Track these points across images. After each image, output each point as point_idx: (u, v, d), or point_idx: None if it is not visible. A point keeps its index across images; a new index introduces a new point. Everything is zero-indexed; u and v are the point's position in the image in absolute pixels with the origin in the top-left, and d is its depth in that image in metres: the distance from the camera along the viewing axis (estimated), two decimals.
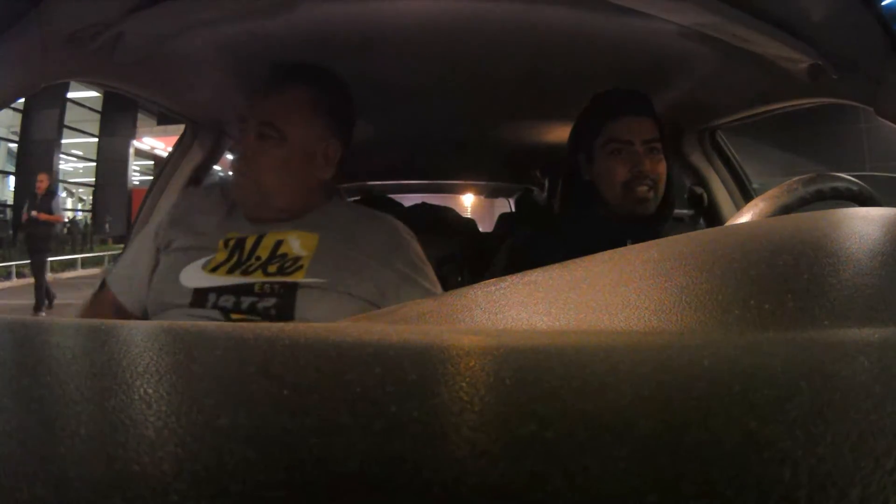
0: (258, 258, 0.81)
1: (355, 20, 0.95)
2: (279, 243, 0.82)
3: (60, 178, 12.48)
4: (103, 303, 0.91)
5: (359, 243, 0.84)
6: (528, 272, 0.35)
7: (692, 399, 0.18)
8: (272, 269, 0.80)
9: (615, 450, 0.15)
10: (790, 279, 0.30)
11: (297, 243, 0.82)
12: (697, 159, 1.40)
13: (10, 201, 11.89)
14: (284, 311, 0.77)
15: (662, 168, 0.97)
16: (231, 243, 0.83)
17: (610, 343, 0.25)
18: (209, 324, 0.31)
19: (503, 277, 0.35)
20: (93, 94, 12.31)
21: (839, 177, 0.62)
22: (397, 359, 0.23)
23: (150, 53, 0.94)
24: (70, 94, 11.71)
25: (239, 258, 0.81)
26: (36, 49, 0.75)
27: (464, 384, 0.19)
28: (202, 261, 0.82)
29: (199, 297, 0.78)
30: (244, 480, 0.14)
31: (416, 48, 1.04)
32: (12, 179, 12.34)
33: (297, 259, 0.80)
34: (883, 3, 0.72)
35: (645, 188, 0.95)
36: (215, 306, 0.77)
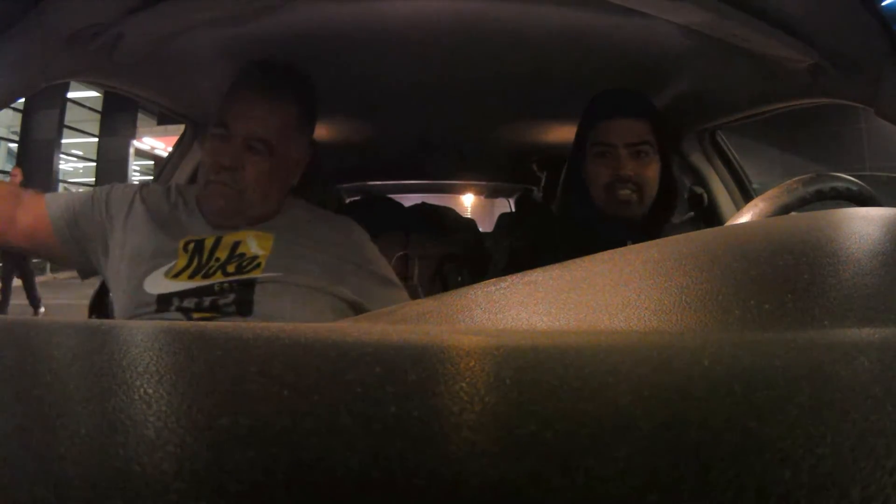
0: (217, 259, 0.83)
1: (355, 20, 0.95)
2: (237, 244, 0.85)
3: (60, 178, 12.48)
4: (30, 206, 0.89)
5: (312, 239, 0.88)
6: (528, 272, 0.35)
7: (692, 399, 0.18)
8: (231, 268, 0.82)
9: (615, 450, 0.15)
10: (790, 279, 0.30)
11: (254, 243, 0.85)
12: (697, 159, 1.40)
13: None
14: (243, 306, 0.79)
15: (650, 171, 0.96)
16: (191, 247, 0.84)
17: (610, 343, 0.25)
18: (209, 324, 0.31)
19: (503, 277, 0.35)
20: (93, 94, 12.31)
21: (839, 177, 0.62)
22: (397, 359, 0.23)
23: (150, 53, 0.94)
24: (70, 94, 11.71)
25: (199, 261, 0.83)
26: (36, 49, 0.75)
27: (464, 384, 0.19)
28: (165, 268, 0.82)
29: (163, 302, 0.80)
30: (244, 480, 0.14)
31: (416, 48, 1.04)
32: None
33: (255, 258, 0.83)
34: (883, 3, 0.72)
35: (627, 191, 0.94)
36: (178, 308, 0.79)
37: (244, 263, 0.82)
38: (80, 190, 0.93)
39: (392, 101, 1.38)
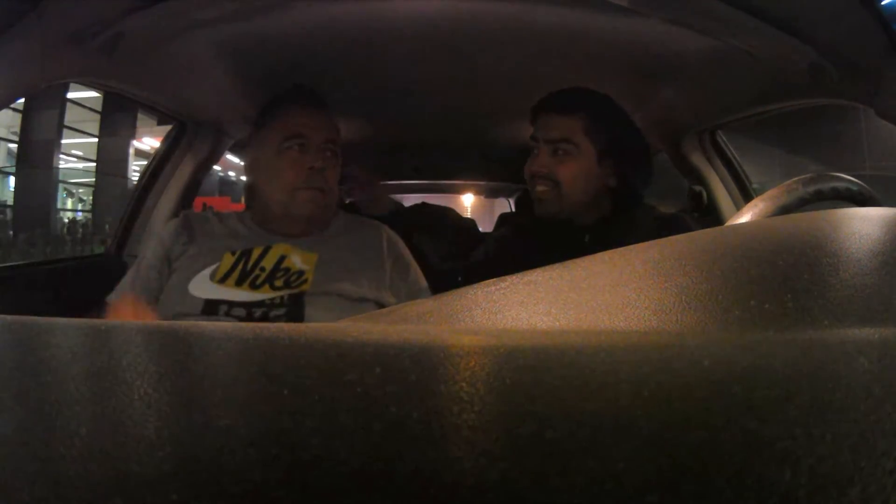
0: (262, 269, 0.86)
1: (355, 20, 0.95)
2: (283, 258, 0.88)
3: (60, 178, 12.48)
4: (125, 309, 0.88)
5: (351, 249, 0.92)
6: (528, 272, 0.35)
7: (692, 399, 0.18)
8: (279, 283, 0.85)
9: (615, 450, 0.15)
10: (790, 279, 0.30)
11: (298, 259, 0.89)
12: (697, 159, 1.40)
13: (11, 202, 11.89)
14: (294, 320, 0.82)
15: (568, 169, 0.92)
16: (237, 253, 0.87)
17: (610, 343, 0.25)
18: (209, 324, 0.31)
19: (503, 277, 0.35)
20: (93, 94, 12.29)
21: (839, 177, 0.62)
22: (397, 359, 0.23)
23: (150, 53, 0.94)
24: (70, 94, 11.70)
25: (244, 268, 0.85)
26: (36, 49, 0.75)
27: (464, 384, 0.19)
28: (209, 270, 0.85)
29: (210, 307, 0.81)
30: (244, 480, 0.14)
31: (416, 48, 1.04)
32: (12, 180, 12.34)
33: (301, 273, 0.87)
34: (883, 3, 0.72)
35: (541, 188, 0.93)
36: (227, 315, 0.81)
37: (291, 278, 0.86)
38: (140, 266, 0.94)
39: (392, 101, 1.38)
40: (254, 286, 0.84)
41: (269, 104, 0.96)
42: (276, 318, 0.81)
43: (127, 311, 0.84)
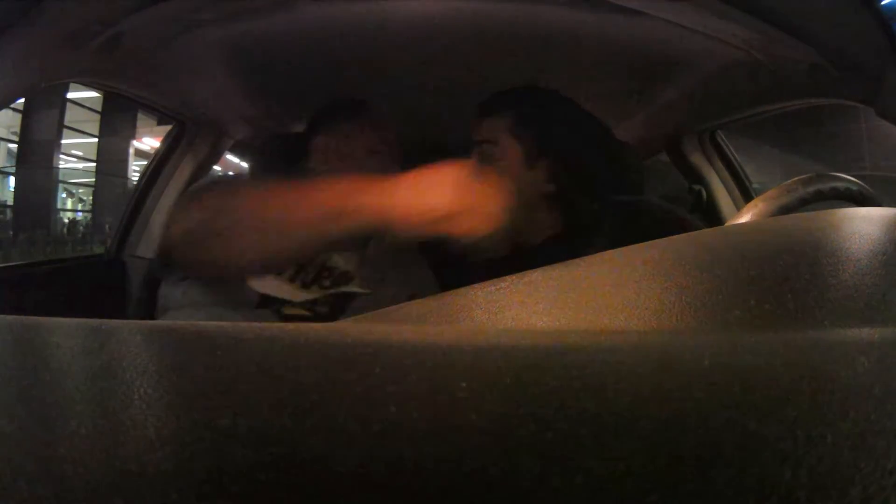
0: (308, 271, 0.87)
1: (355, 20, 0.95)
2: (328, 257, 0.90)
3: (60, 178, 12.48)
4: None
5: (391, 250, 0.93)
6: (528, 272, 0.35)
7: (692, 399, 0.18)
8: (326, 283, 0.86)
9: (615, 450, 0.15)
10: (790, 279, 0.30)
11: (341, 259, 0.90)
12: (697, 159, 1.40)
13: (11, 202, 11.90)
14: (337, 316, 0.84)
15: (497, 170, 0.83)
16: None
17: (610, 343, 0.25)
18: (209, 324, 0.31)
19: (503, 277, 0.35)
20: (93, 94, 12.29)
21: (839, 177, 0.62)
22: (397, 359, 0.23)
23: (150, 53, 0.94)
24: (70, 94, 11.70)
25: (296, 266, 0.86)
26: (36, 49, 0.75)
27: (464, 384, 0.19)
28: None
29: (265, 302, 0.82)
30: (244, 480, 0.14)
31: (416, 48, 1.04)
32: (12, 180, 12.35)
33: (346, 273, 0.88)
34: (883, 3, 0.72)
35: None
36: (276, 312, 0.82)
37: (338, 278, 0.87)
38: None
39: (392, 101, 1.38)
40: (304, 285, 0.85)
41: (323, 117, 0.98)
42: (319, 313, 0.83)
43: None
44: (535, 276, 0.34)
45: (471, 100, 0.94)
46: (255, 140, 1.46)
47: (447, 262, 0.98)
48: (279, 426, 0.16)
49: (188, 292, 0.83)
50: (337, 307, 0.84)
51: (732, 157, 1.39)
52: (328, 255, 0.89)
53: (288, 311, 0.82)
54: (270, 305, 0.82)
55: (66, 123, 12.10)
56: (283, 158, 1.06)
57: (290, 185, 0.70)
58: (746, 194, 1.36)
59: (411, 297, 0.86)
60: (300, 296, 0.83)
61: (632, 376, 0.20)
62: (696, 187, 1.38)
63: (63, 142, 12.13)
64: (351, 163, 0.93)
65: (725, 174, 1.39)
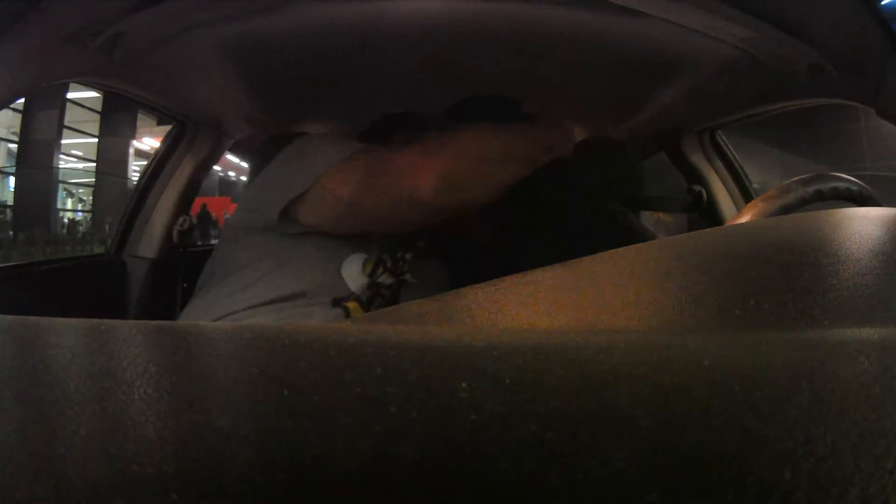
0: (393, 260, 0.95)
1: (355, 20, 0.95)
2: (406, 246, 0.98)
3: (60, 178, 12.48)
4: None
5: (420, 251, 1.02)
6: (528, 272, 0.35)
7: (692, 399, 0.18)
8: (395, 270, 0.95)
9: (615, 450, 0.15)
10: (790, 279, 0.30)
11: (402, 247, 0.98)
12: (697, 159, 1.40)
13: (11, 202, 11.90)
14: (392, 302, 0.91)
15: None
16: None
17: (610, 343, 0.25)
18: (209, 324, 0.31)
19: (503, 277, 0.35)
20: (93, 94, 12.29)
21: (839, 177, 0.62)
22: (397, 359, 0.23)
23: (150, 53, 0.94)
24: (70, 94, 11.70)
25: (382, 260, 0.94)
26: (36, 49, 0.75)
27: (464, 384, 0.19)
28: (361, 260, 0.91)
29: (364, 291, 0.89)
30: (244, 480, 0.14)
31: (416, 48, 1.04)
32: (12, 180, 12.34)
33: (405, 261, 0.96)
34: (883, 3, 0.71)
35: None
36: (357, 300, 0.88)
37: (400, 265, 0.96)
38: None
39: (392, 101, 1.38)
40: (391, 274, 0.93)
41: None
42: (381, 297, 0.91)
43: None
44: (535, 276, 0.34)
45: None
46: (255, 140, 1.46)
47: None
48: (279, 426, 0.16)
49: (303, 245, 0.90)
50: (393, 295, 0.92)
51: (732, 157, 1.39)
52: (406, 243, 0.96)
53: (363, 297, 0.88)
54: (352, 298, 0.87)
55: (66, 123, 12.10)
56: None
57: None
58: (746, 194, 1.36)
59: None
60: (377, 279, 0.90)
61: (632, 376, 0.20)
62: (697, 188, 1.38)
63: (63, 142, 12.13)
64: None
65: (725, 174, 1.39)
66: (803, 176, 0.61)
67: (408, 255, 0.98)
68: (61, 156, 12.34)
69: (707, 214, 1.37)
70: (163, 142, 1.42)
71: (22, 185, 11.74)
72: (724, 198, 1.38)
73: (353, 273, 0.90)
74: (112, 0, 0.80)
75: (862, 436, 0.15)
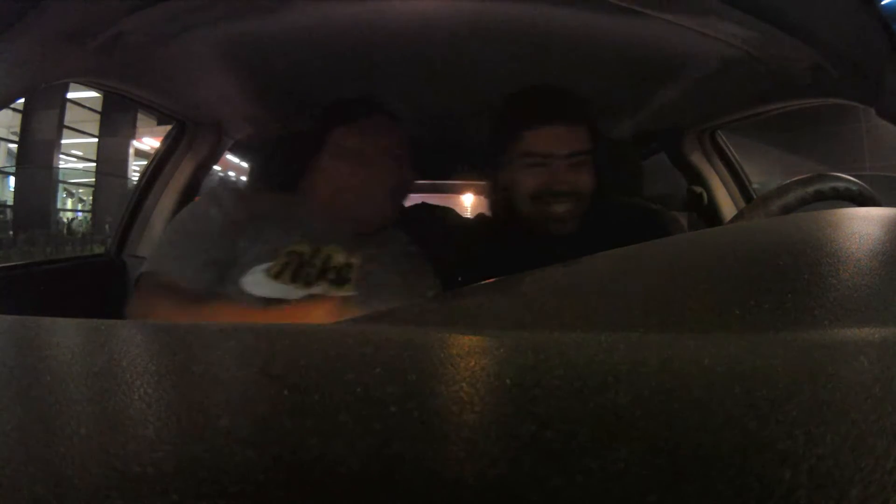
0: (313, 266, 0.88)
1: (355, 20, 0.95)
2: (329, 257, 0.90)
3: (60, 178, 12.48)
4: (155, 287, 0.82)
5: (390, 254, 0.95)
6: (528, 272, 0.35)
7: (692, 399, 0.18)
8: (327, 281, 0.86)
9: (615, 450, 0.15)
10: (790, 279, 0.30)
11: (342, 257, 0.90)
12: (697, 159, 1.40)
13: (11, 202, 11.89)
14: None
15: (587, 180, 0.88)
16: (291, 253, 0.89)
17: (610, 343, 0.25)
18: (209, 324, 0.31)
19: (503, 277, 0.35)
20: (93, 94, 12.28)
21: (839, 177, 0.62)
22: (397, 359, 0.23)
23: (150, 53, 0.94)
24: (70, 94, 11.70)
25: (298, 264, 0.87)
26: (36, 49, 0.75)
27: (464, 384, 0.19)
28: (263, 266, 0.85)
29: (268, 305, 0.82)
30: (244, 480, 0.14)
31: (415, 48, 1.04)
32: (12, 180, 12.34)
33: (345, 275, 0.88)
34: (883, 3, 0.71)
35: (563, 207, 0.87)
36: None
37: (338, 278, 0.87)
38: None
39: (392, 101, 1.38)
40: (307, 283, 0.85)
41: (340, 112, 0.98)
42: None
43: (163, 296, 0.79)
44: (536, 276, 0.34)
45: (470, 99, 0.94)
46: (255, 140, 1.46)
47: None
48: (279, 426, 0.16)
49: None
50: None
51: (732, 157, 1.39)
52: (331, 255, 0.89)
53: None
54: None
55: (66, 123, 12.09)
56: (291, 156, 1.05)
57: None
58: (746, 194, 1.36)
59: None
60: (293, 292, 0.83)
61: (632, 376, 0.20)
62: (698, 189, 1.38)
63: (63, 142, 12.12)
64: (365, 163, 0.92)
65: (725, 174, 1.39)
66: (803, 176, 0.61)
67: (351, 261, 0.89)
68: (61, 156, 12.34)
69: (707, 214, 1.37)
70: (163, 142, 1.42)
71: (22, 185, 11.74)
72: (724, 198, 1.38)
73: (258, 280, 0.83)
74: (112, 0, 0.80)
75: (862, 436, 0.15)
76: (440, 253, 1.13)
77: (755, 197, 0.60)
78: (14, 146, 12.05)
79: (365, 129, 0.94)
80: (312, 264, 0.87)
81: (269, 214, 0.92)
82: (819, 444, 0.14)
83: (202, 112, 1.32)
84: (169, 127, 1.41)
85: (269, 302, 0.81)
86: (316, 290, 0.84)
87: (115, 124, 12.78)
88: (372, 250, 0.92)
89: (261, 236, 0.88)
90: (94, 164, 13.50)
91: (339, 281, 0.87)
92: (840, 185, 0.61)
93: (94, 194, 13.54)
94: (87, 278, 1.30)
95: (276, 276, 0.84)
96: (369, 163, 0.92)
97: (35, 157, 11.24)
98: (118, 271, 1.35)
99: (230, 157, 1.91)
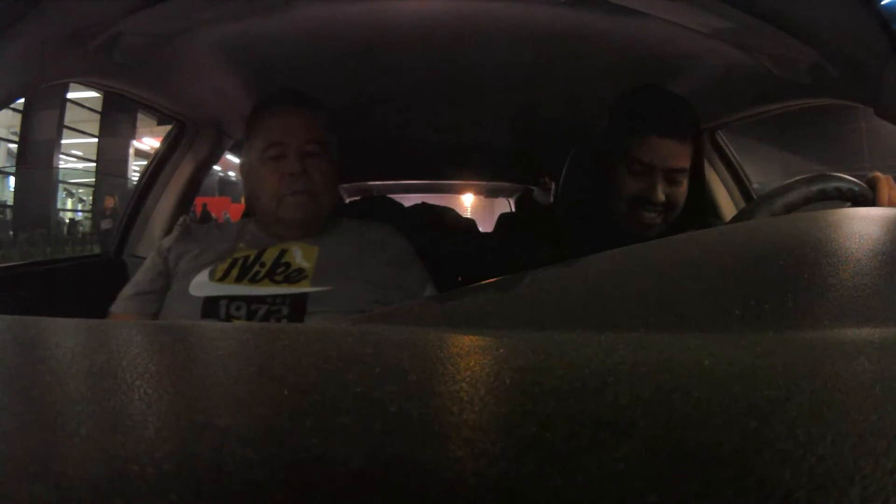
0: (262, 264, 0.85)
1: (355, 20, 0.95)
2: (282, 253, 0.87)
3: (60, 178, 12.48)
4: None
5: (356, 250, 0.91)
6: (529, 272, 0.35)
7: (692, 399, 0.18)
8: (278, 277, 0.84)
9: (615, 450, 0.15)
10: (790, 279, 0.30)
11: (299, 254, 0.88)
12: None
13: (11, 202, 11.90)
14: (296, 319, 0.80)
15: (682, 195, 0.87)
16: (237, 254, 0.88)
17: (610, 343, 0.25)
18: (209, 324, 0.31)
19: (503, 277, 0.35)
20: (93, 94, 12.28)
21: (840, 177, 0.62)
22: (397, 359, 0.23)
23: (150, 53, 0.94)
24: (70, 94, 11.69)
25: (244, 265, 0.85)
26: (36, 49, 0.75)
27: (464, 384, 0.19)
28: (207, 270, 0.84)
29: (210, 306, 0.80)
30: (244, 480, 0.14)
31: (416, 48, 1.04)
32: (12, 180, 12.34)
33: (301, 270, 0.85)
34: (883, 3, 0.71)
35: (652, 215, 0.86)
36: (227, 316, 0.79)
37: (291, 274, 0.85)
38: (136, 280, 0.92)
39: (392, 101, 1.38)
40: (253, 281, 0.83)
41: (251, 112, 0.95)
42: (277, 320, 0.80)
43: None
44: (536, 276, 0.34)
45: (470, 99, 0.94)
46: None
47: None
48: (279, 426, 0.16)
49: None
50: (294, 309, 0.81)
51: (732, 157, 1.39)
52: (285, 251, 0.87)
53: (235, 312, 0.80)
54: (216, 310, 0.80)
55: (66, 123, 12.09)
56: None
57: None
58: (746, 194, 1.36)
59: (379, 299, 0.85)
60: (244, 291, 0.82)
61: (632, 376, 0.20)
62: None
63: (63, 142, 12.12)
64: (280, 163, 0.88)
65: (725, 174, 1.39)
66: (804, 176, 0.61)
67: (292, 259, 0.86)
68: (61, 156, 12.33)
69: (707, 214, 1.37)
70: (163, 142, 1.42)
71: (22, 185, 11.74)
72: (724, 198, 1.38)
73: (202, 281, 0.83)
74: (112, 0, 0.80)
75: (862, 436, 0.15)
76: (440, 253, 1.13)
77: (755, 197, 0.60)
78: (14, 146, 12.04)
79: (275, 126, 0.89)
80: (261, 264, 0.86)
81: (211, 237, 0.93)
82: (819, 444, 0.14)
83: (202, 112, 1.32)
84: (169, 127, 1.41)
85: (215, 302, 0.80)
86: (266, 288, 0.83)
87: (115, 124, 12.77)
88: (324, 244, 0.90)
89: (208, 245, 0.89)
90: (94, 164, 13.50)
91: (292, 278, 0.84)
92: (842, 184, 0.61)
93: (94, 194, 13.54)
94: (87, 278, 1.30)
95: (221, 279, 0.83)
96: (283, 162, 0.88)
97: (35, 157, 11.23)
98: (118, 271, 1.35)
99: (230, 157, 1.91)
